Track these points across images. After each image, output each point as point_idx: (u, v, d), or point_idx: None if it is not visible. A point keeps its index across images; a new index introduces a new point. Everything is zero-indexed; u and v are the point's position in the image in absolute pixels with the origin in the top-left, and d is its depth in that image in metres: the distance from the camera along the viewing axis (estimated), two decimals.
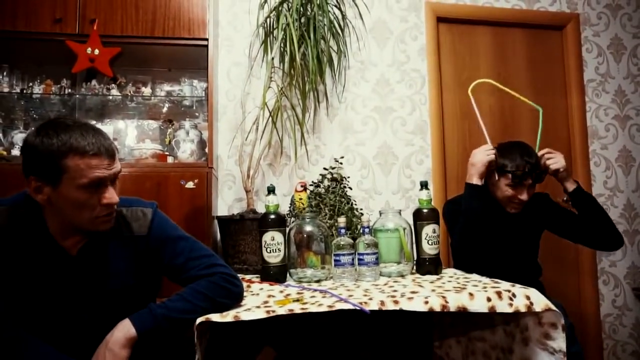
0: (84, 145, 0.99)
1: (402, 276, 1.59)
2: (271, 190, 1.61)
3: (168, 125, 2.06)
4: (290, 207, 1.97)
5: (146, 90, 2.02)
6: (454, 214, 1.78)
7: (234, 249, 1.87)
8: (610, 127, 2.61)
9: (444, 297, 1.21)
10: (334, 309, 1.16)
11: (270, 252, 1.56)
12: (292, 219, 1.92)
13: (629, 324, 2.51)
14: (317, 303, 1.19)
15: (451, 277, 1.55)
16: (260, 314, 1.11)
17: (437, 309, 1.19)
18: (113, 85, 1.97)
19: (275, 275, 1.55)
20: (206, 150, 1.92)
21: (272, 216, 1.57)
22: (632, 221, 2.56)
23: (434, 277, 1.56)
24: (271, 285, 1.50)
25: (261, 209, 2.16)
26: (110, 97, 1.97)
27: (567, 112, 2.59)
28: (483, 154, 1.69)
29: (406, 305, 1.19)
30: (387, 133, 2.38)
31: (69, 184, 0.99)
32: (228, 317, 1.09)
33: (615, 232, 1.71)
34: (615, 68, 2.64)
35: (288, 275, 1.58)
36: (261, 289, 1.44)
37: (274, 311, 1.12)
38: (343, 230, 1.56)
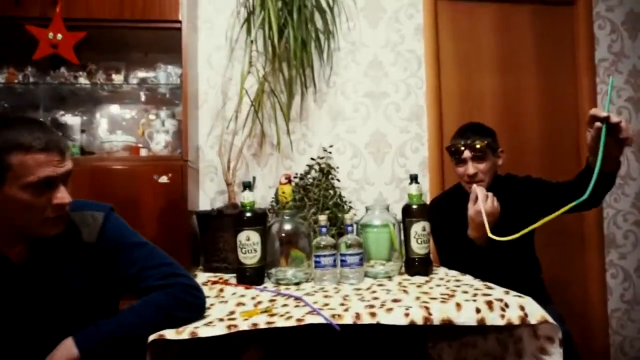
0: (30, 140, 0.90)
1: (389, 277, 1.47)
2: (247, 186, 1.50)
3: (142, 115, 1.94)
4: (272, 201, 1.86)
5: (117, 78, 1.89)
6: (440, 219, 1.71)
7: (213, 246, 1.77)
8: (623, 109, 2.42)
9: (427, 307, 1.10)
10: (302, 323, 1.05)
11: (245, 252, 1.46)
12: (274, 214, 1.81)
13: (638, 319, 2.38)
14: (287, 315, 1.08)
15: (441, 279, 1.43)
16: (220, 330, 1.01)
17: (419, 322, 1.08)
18: (81, 72, 1.84)
19: (251, 277, 1.45)
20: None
21: (248, 214, 1.47)
22: None
23: (424, 278, 1.45)
24: (247, 288, 1.41)
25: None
26: (79, 86, 1.84)
27: (576, 94, 2.41)
28: (472, 211, 1.49)
29: (384, 319, 1.08)
30: (380, 119, 2.22)
31: (13, 183, 0.90)
32: (184, 333, 0.99)
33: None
34: (630, 46, 2.44)
35: (267, 276, 1.48)
36: (234, 293, 1.35)
37: (235, 326, 1.02)
38: (324, 229, 1.45)
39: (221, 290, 1.41)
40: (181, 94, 1.74)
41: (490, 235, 1.28)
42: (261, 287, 1.42)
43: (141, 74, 1.95)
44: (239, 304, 1.22)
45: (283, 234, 1.51)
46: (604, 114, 1.09)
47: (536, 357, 1.14)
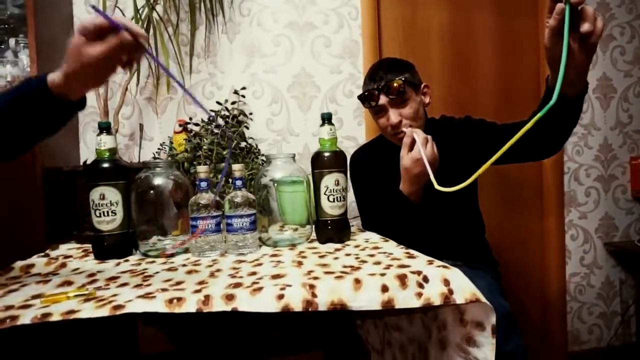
0: None
1: (294, 245, 1.15)
2: (104, 128, 1.14)
3: None
4: (156, 153, 1.48)
5: None
6: (361, 175, 1.45)
7: (83, 211, 1.39)
8: None
9: (312, 286, 0.77)
10: (118, 312, 0.71)
11: (100, 215, 1.12)
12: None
13: (597, 284, 2.15)
14: (106, 301, 0.74)
15: (357, 246, 1.11)
16: None
17: (297, 307, 0.75)
18: None
19: (110, 248, 1.11)
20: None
21: (105, 165, 1.12)
22: (608, 165, 2.13)
23: (336, 246, 1.13)
24: (99, 263, 1.07)
25: (134, 157, 1.68)
26: None
27: (537, 36, 2.07)
28: (408, 160, 1.19)
29: (245, 304, 0.75)
30: (306, 57, 1.84)
31: None
32: None
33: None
34: None
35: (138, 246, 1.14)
36: (76, 269, 1.00)
37: (14, 318, 0.68)
38: (204, 184, 1.11)
39: (62, 265, 1.06)
40: (27, 16, 1.32)
41: (437, 187, 0.92)
42: (121, 260, 1.09)
43: None
44: (64, 284, 0.88)
45: (150, 194, 1.16)
46: None
47: (462, 349, 0.83)
